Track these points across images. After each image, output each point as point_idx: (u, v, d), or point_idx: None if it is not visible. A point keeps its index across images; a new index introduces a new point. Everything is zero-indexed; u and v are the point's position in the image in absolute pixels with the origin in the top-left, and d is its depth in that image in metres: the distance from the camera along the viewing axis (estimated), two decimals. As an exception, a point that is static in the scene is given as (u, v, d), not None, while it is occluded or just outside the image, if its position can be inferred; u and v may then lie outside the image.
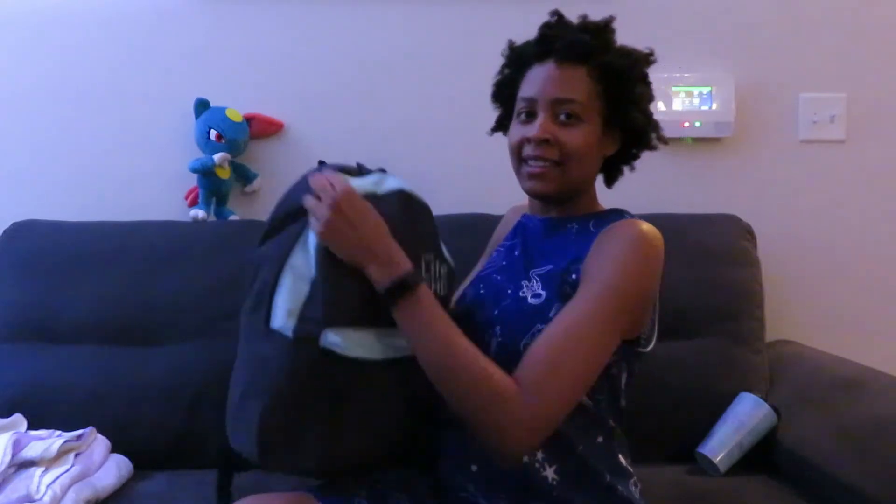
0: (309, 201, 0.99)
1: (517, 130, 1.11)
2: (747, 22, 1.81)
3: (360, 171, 1.09)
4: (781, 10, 1.81)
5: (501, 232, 1.31)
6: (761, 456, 1.43)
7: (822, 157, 1.83)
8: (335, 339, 0.94)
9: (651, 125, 1.13)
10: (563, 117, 1.07)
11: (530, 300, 1.05)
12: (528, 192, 1.12)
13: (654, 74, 1.13)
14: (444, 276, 1.07)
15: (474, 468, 1.05)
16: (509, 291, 1.09)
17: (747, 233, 1.69)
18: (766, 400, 1.45)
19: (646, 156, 1.14)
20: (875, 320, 1.83)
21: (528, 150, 1.08)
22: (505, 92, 1.18)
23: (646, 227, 1.04)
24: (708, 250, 1.61)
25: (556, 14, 1.13)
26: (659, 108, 1.72)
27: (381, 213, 1.00)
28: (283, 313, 0.96)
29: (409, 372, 0.98)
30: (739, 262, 1.64)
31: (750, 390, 1.48)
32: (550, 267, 1.07)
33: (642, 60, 1.12)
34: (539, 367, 0.95)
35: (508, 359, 0.99)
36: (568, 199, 1.13)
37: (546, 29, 1.11)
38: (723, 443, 1.42)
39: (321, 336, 0.94)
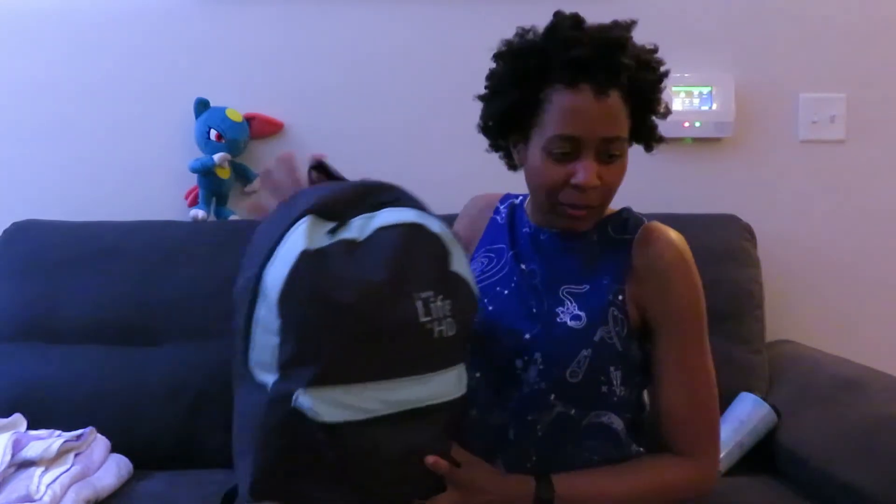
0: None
1: (553, 170, 0.98)
2: (747, 22, 1.81)
3: (355, 199, 0.94)
4: (781, 9, 1.81)
5: (473, 230, 1.21)
6: (761, 456, 1.43)
7: (822, 157, 1.83)
8: (306, 402, 0.84)
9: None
10: (607, 156, 0.98)
11: (570, 323, 1.02)
12: (561, 228, 1.06)
13: (654, 74, 1.11)
14: (450, 314, 0.91)
15: None
16: (534, 311, 1.04)
17: (747, 233, 1.69)
18: (766, 400, 1.45)
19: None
20: (875, 320, 1.83)
21: (569, 196, 0.99)
22: (513, 117, 1.03)
23: (677, 237, 1.06)
24: (708, 250, 1.60)
25: (573, 21, 1.00)
26: (659, 108, 1.73)
27: (360, 260, 0.88)
28: (261, 369, 0.89)
29: (408, 428, 0.90)
30: (739, 262, 1.63)
31: (750, 390, 1.48)
32: (587, 287, 1.04)
33: (662, 69, 1.03)
34: (696, 434, 1.02)
35: (550, 386, 1.01)
36: None
37: (570, 45, 0.97)
38: (723, 443, 1.42)
39: (293, 397, 0.84)
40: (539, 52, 0.99)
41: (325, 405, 0.85)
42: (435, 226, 0.94)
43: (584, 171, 0.97)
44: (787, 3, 1.81)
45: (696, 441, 1.02)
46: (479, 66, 1.09)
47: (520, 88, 1.00)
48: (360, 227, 0.91)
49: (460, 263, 0.95)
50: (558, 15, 1.02)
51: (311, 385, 0.84)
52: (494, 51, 1.06)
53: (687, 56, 1.79)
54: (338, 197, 0.92)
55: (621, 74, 0.97)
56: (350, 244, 0.89)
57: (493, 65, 1.06)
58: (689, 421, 1.02)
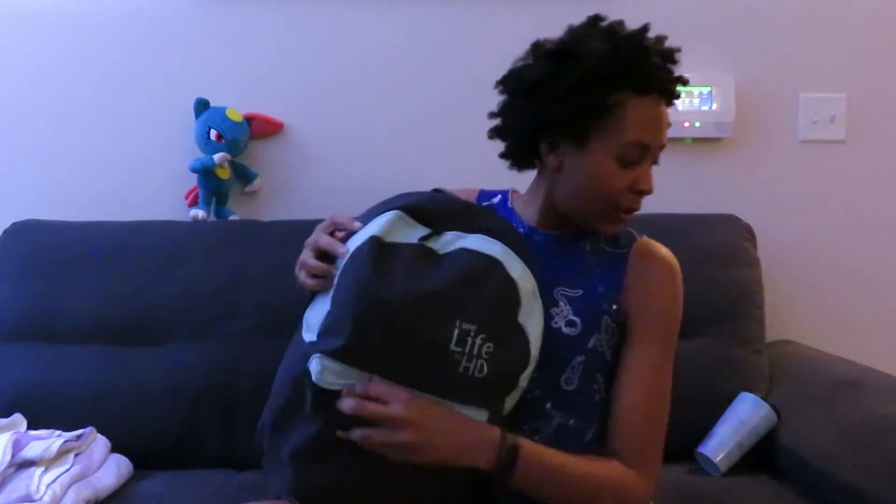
0: (372, 421, 0.88)
1: (619, 176, 0.99)
2: (747, 22, 1.81)
3: (456, 215, 0.97)
4: (782, 10, 1.81)
5: None
6: (761, 456, 1.43)
7: (822, 157, 1.83)
8: (315, 365, 0.88)
9: None
10: (653, 162, 1.02)
11: (564, 329, 1.03)
12: (602, 233, 1.06)
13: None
14: (486, 357, 0.90)
15: None
16: None
17: (747, 233, 1.69)
18: (766, 400, 1.45)
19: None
20: (875, 320, 1.83)
21: (629, 201, 1.01)
22: (570, 121, 0.98)
23: (669, 254, 1.08)
24: (708, 250, 1.61)
25: (642, 35, 1.00)
26: (659, 108, 1.73)
27: (426, 270, 0.90)
28: (307, 327, 0.94)
29: None
30: (739, 262, 1.63)
31: (750, 390, 1.49)
32: (581, 291, 1.05)
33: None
34: (640, 440, 1.01)
35: (545, 394, 1.01)
36: None
37: (648, 53, 0.98)
38: (723, 443, 1.42)
39: (310, 358, 0.89)
40: (617, 59, 0.97)
41: (329, 374, 0.88)
42: (516, 271, 0.94)
43: (649, 178, 1.01)
44: (787, 3, 1.81)
45: (643, 452, 1.02)
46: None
47: (589, 94, 0.96)
48: (447, 242, 0.94)
49: (532, 319, 0.95)
50: (602, 19, 1.02)
51: (327, 354, 0.88)
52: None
53: (687, 56, 1.77)
54: (440, 207, 0.96)
55: (679, 84, 1.02)
56: (428, 253, 0.92)
57: (532, 64, 1.03)
58: (640, 429, 1.02)
